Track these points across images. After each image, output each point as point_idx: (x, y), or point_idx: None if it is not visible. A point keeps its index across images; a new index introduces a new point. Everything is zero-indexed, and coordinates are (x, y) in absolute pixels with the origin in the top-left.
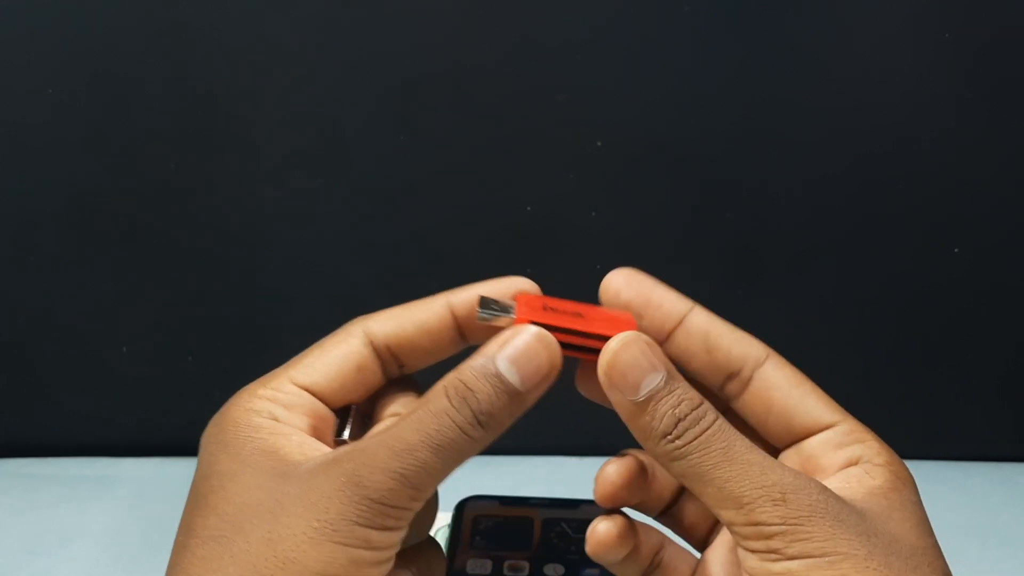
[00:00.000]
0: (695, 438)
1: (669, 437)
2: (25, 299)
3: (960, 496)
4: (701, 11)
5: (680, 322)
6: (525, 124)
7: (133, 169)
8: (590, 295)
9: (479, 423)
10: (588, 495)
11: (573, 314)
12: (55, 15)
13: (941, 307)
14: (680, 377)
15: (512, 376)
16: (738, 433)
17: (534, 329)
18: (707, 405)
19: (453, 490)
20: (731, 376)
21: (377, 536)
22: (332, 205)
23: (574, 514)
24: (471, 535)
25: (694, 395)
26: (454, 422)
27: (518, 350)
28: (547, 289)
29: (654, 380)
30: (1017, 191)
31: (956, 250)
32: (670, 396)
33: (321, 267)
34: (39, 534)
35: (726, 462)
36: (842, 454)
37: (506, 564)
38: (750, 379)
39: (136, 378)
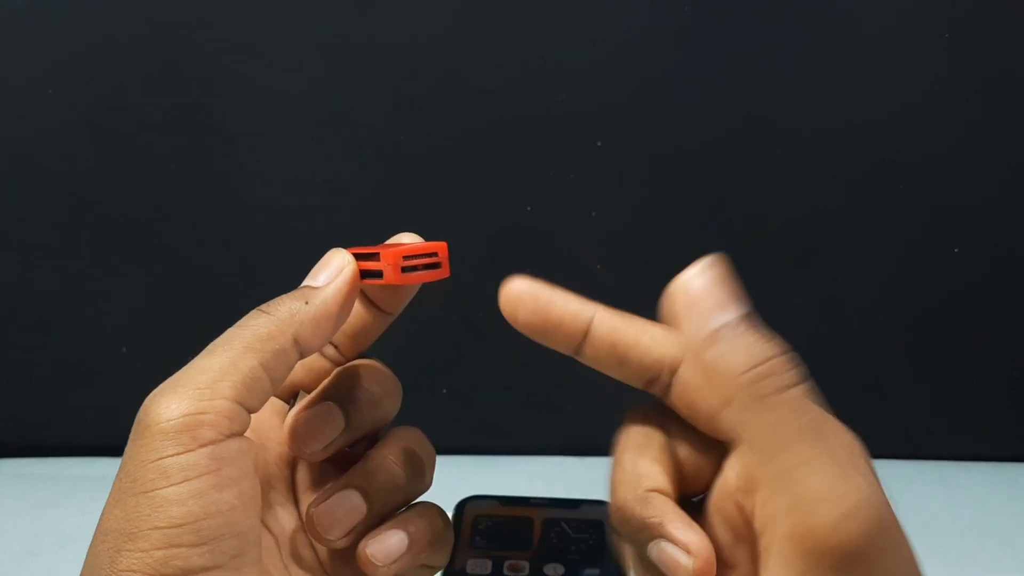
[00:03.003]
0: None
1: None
2: (25, 299)
3: (960, 496)
4: (702, 11)
5: (585, 336)
6: (525, 124)
7: (133, 170)
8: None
9: (261, 311)
10: (588, 495)
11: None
12: (55, 16)
13: (941, 307)
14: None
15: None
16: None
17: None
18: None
19: (453, 490)
20: (650, 381)
21: (176, 462)
22: (333, 205)
23: (574, 514)
24: (471, 535)
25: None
26: (238, 324)
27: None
28: None
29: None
30: (1017, 191)
31: (956, 250)
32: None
33: None
34: (39, 534)
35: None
36: None
37: (506, 564)
38: (670, 384)
39: (136, 378)
